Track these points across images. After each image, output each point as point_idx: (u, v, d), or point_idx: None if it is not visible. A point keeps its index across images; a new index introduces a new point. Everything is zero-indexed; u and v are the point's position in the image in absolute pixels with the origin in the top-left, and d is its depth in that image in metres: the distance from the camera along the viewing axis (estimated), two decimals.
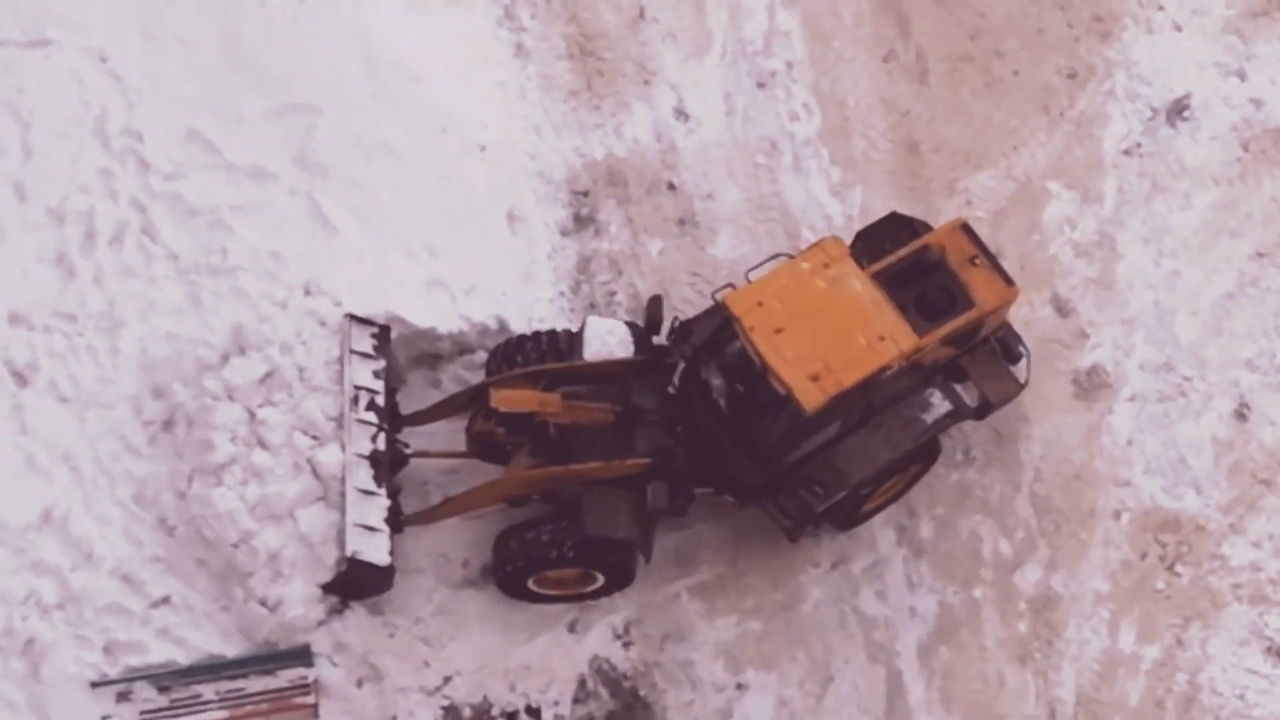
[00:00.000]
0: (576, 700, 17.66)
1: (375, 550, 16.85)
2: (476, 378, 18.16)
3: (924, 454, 17.96)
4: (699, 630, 17.98)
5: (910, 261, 17.57)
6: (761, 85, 20.27)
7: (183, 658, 17.02)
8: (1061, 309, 19.26)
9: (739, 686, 17.82)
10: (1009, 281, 17.76)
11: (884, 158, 20.02)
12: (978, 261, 17.68)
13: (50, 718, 16.71)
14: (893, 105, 20.28)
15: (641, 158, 19.92)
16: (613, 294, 19.24)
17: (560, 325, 18.53)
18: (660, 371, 17.75)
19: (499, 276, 18.90)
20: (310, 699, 17.09)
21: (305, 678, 17.07)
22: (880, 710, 17.82)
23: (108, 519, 17.24)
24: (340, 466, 17.01)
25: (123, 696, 16.88)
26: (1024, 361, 18.22)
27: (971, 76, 20.47)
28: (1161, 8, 20.80)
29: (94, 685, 16.84)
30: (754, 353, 16.61)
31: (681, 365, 17.65)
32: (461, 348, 18.53)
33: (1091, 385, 19.07)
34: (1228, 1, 20.86)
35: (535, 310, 18.83)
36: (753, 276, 17.21)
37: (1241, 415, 18.94)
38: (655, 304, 17.81)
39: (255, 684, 17.07)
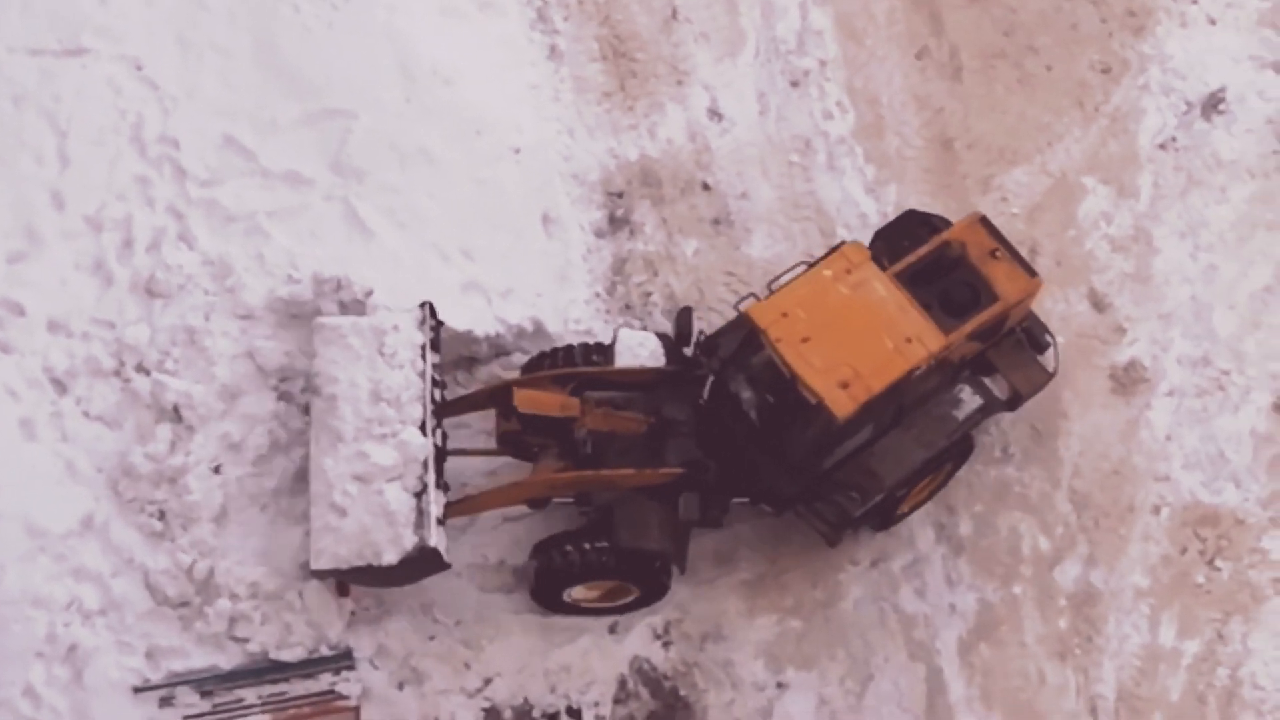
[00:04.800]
0: (617, 701, 17.69)
1: (441, 545, 16.78)
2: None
3: (957, 451, 17.94)
4: (739, 629, 18.00)
5: (931, 259, 17.52)
6: (795, 84, 20.27)
7: (224, 662, 17.09)
8: (1098, 304, 19.22)
9: (779, 685, 17.83)
10: (1031, 272, 17.72)
11: (918, 155, 20.00)
12: (999, 254, 17.62)
13: None
14: (926, 102, 20.27)
15: (675, 158, 19.94)
16: (648, 295, 19.26)
17: (595, 332, 18.55)
18: (690, 383, 17.71)
19: (534, 279, 18.94)
20: (352, 702, 17.16)
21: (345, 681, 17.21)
22: (921, 708, 17.82)
23: (146, 526, 17.38)
24: (423, 451, 16.94)
25: (165, 702, 16.95)
26: (1051, 350, 18.18)
27: (1005, 72, 20.44)
28: (1195, 1, 20.74)
29: (136, 691, 16.91)
30: (782, 364, 16.54)
31: (710, 378, 17.59)
32: (498, 350, 18.57)
33: (1129, 380, 19.03)
34: None
35: (571, 312, 18.86)
36: (775, 286, 17.14)
37: None
38: (685, 315, 17.82)
39: (297, 688, 17.14)
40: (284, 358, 18.00)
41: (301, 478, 17.59)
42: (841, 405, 16.34)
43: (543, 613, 17.79)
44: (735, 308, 17.47)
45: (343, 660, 17.23)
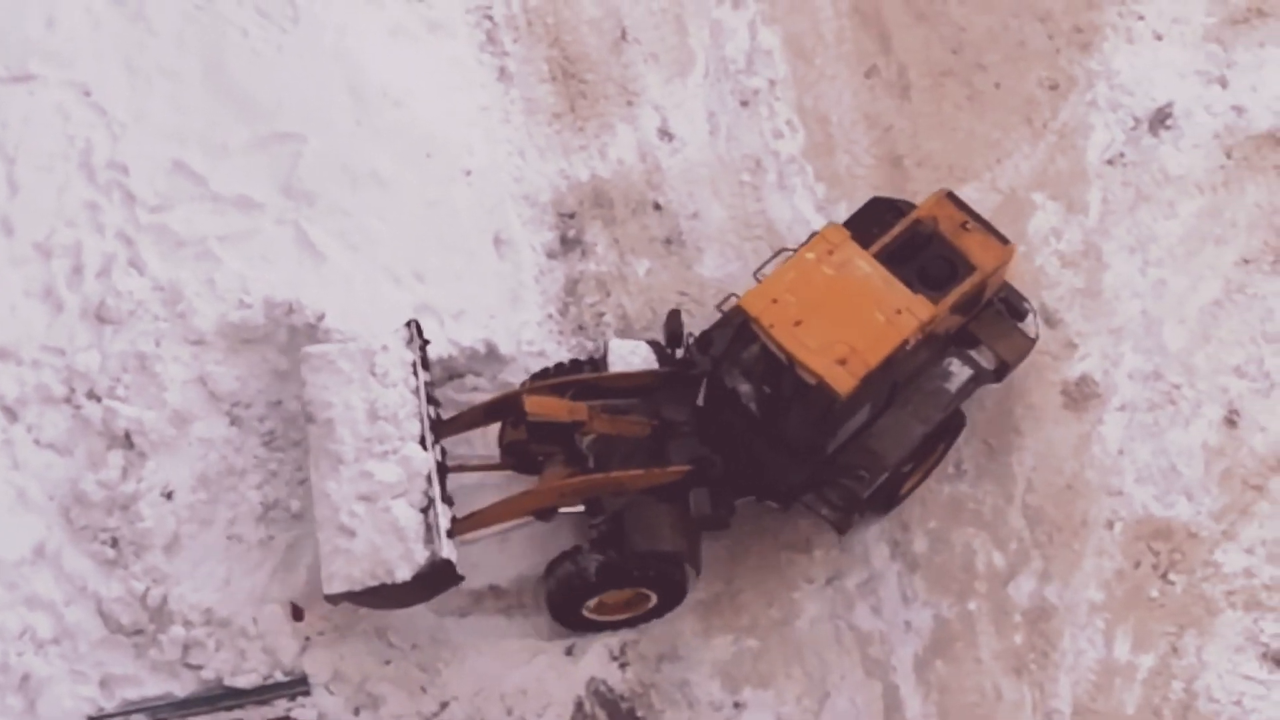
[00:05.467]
0: None
1: (453, 556, 16.67)
2: (468, 403, 18.15)
3: (951, 426, 18.15)
4: (695, 649, 17.99)
5: (905, 238, 17.74)
6: (744, 104, 20.31)
7: (179, 690, 17.02)
8: (1049, 320, 19.28)
9: (736, 705, 17.81)
10: (1004, 240, 17.98)
11: (868, 173, 20.05)
12: (969, 226, 17.89)
13: None
14: (876, 121, 20.32)
15: (626, 178, 19.96)
16: (601, 315, 19.26)
17: (549, 354, 18.61)
18: (687, 383, 17.82)
19: (487, 300, 18.93)
20: None
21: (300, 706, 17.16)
22: None
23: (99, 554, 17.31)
24: (425, 465, 16.85)
25: None
26: (1031, 317, 18.40)
27: (954, 90, 20.51)
28: (1142, 17, 20.84)
29: None
30: (778, 349, 16.75)
31: (705, 377, 17.71)
32: (451, 372, 18.54)
33: (1081, 395, 19.10)
34: (1208, 9, 20.89)
35: (524, 333, 18.85)
36: (761, 276, 17.30)
37: (1231, 422, 18.96)
38: (674, 318, 17.91)
39: (252, 714, 17.08)
40: (236, 383, 17.96)
41: (257, 503, 17.62)
42: (842, 381, 16.53)
43: (499, 635, 17.75)
44: (719, 308, 17.69)
45: (298, 686, 17.17)
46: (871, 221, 18.20)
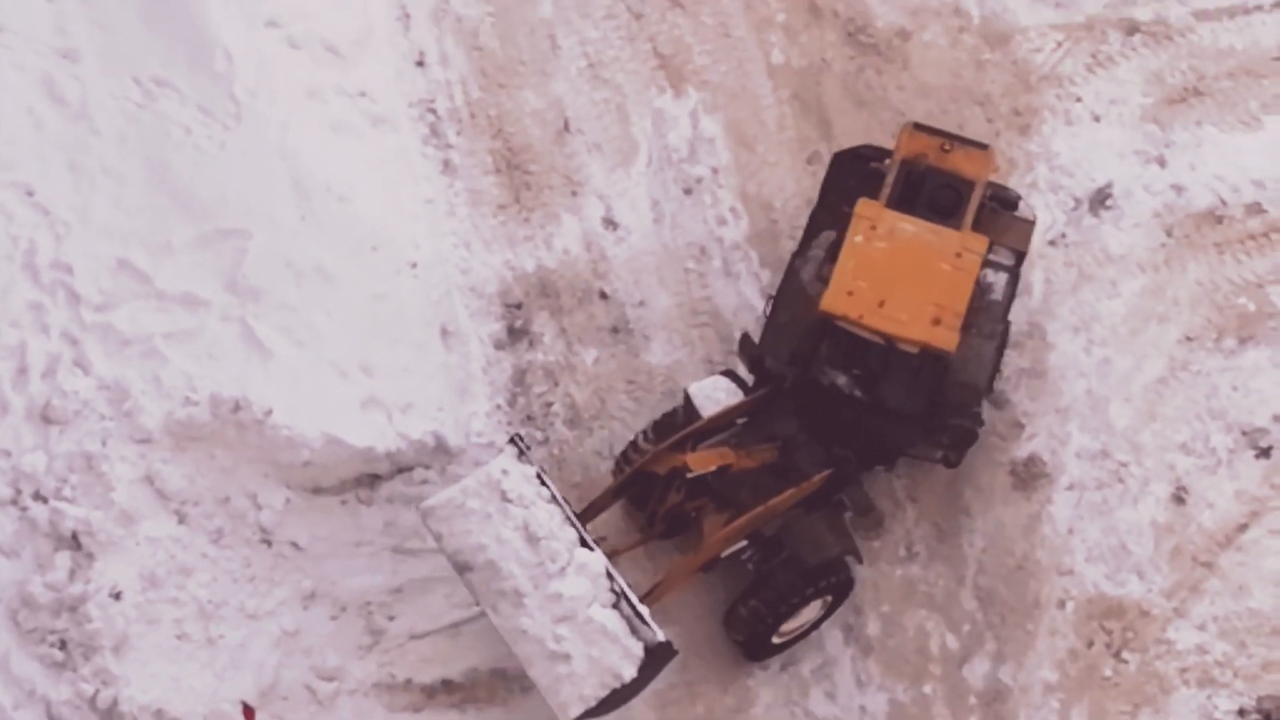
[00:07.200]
0: None
1: (663, 635, 16.78)
2: (418, 495, 18.07)
3: (1006, 333, 18.74)
4: None
5: (903, 182, 18.21)
6: (688, 192, 20.39)
7: None
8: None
9: None
10: (981, 146, 18.65)
11: None
12: (949, 146, 18.49)
13: None
14: None
15: (572, 268, 19.99)
16: (549, 405, 19.26)
17: (499, 445, 18.56)
18: (772, 399, 18.15)
19: (435, 393, 18.91)
20: None
21: None
22: None
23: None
24: (600, 563, 16.86)
25: None
26: (1022, 202, 18.91)
27: None
28: (1079, 99, 21.01)
29: None
30: (875, 335, 17.38)
31: (798, 386, 18.08)
32: (399, 466, 18.50)
33: (1029, 475, 19.14)
34: (1144, 90, 21.07)
35: (472, 425, 18.83)
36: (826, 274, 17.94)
37: (1179, 499, 19.03)
38: (748, 340, 18.38)
39: None
40: (183, 481, 17.88)
41: (206, 601, 17.53)
42: (945, 339, 17.39)
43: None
44: (764, 313, 18.47)
45: None
46: (848, 177, 18.79)
